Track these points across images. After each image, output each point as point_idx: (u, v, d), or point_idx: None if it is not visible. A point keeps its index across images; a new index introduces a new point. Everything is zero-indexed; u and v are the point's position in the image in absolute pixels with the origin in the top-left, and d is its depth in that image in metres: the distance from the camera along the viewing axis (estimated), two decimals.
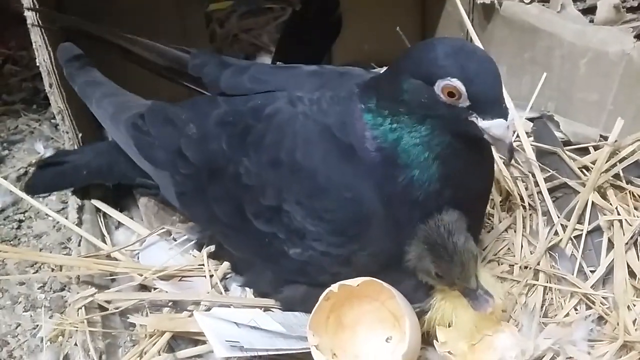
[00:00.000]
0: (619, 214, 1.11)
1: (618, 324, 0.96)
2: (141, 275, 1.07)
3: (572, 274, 1.05)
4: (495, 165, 1.03)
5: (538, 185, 1.17)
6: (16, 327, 1.11)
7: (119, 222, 1.21)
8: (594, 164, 1.17)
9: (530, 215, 1.15)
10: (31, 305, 1.14)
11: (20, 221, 1.29)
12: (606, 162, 1.16)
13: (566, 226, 1.10)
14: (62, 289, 1.15)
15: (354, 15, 1.46)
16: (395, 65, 0.90)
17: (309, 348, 0.92)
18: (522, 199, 1.16)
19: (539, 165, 1.18)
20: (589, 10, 1.45)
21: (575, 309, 1.02)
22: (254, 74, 1.04)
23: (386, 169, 0.89)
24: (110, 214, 1.22)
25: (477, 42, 1.29)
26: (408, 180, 0.88)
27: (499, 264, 1.09)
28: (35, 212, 1.29)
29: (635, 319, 0.98)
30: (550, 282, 1.04)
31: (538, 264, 1.06)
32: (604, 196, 1.14)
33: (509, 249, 1.11)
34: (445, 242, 0.89)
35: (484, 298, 0.90)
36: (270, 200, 0.94)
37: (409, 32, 1.42)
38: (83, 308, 1.03)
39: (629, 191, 1.14)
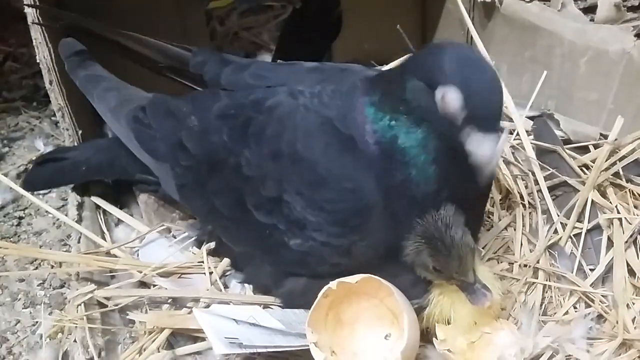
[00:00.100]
0: (618, 213, 1.10)
1: (617, 322, 0.96)
2: (141, 272, 1.07)
3: (572, 272, 1.05)
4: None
5: (538, 184, 1.16)
6: (15, 324, 1.11)
7: (118, 219, 1.21)
8: (593, 163, 1.17)
9: (530, 213, 1.15)
10: (31, 302, 1.14)
11: (20, 218, 1.29)
12: (606, 160, 1.16)
13: (566, 224, 1.10)
14: (62, 286, 1.14)
15: (354, 13, 1.46)
16: (403, 64, 0.90)
17: (308, 345, 0.92)
18: (521, 197, 1.16)
19: (539, 164, 1.18)
20: (590, 9, 1.45)
21: (575, 307, 1.01)
22: (254, 71, 1.05)
23: (385, 163, 0.89)
24: (110, 211, 1.22)
25: (478, 41, 1.29)
26: (405, 177, 0.88)
27: (498, 262, 1.09)
28: (35, 209, 1.29)
29: (635, 317, 0.98)
30: (549, 280, 1.04)
31: (537, 262, 1.05)
32: (603, 195, 1.14)
33: (508, 247, 1.11)
34: (442, 236, 0.89)
35: (481, 292, 0.90)
36: (271, 191, 0.94)
37: (409, 31, 1.42)
38: (82, 305, 1.03)
39: (629, 190, 1.14)
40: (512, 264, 1.08)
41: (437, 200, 0.89)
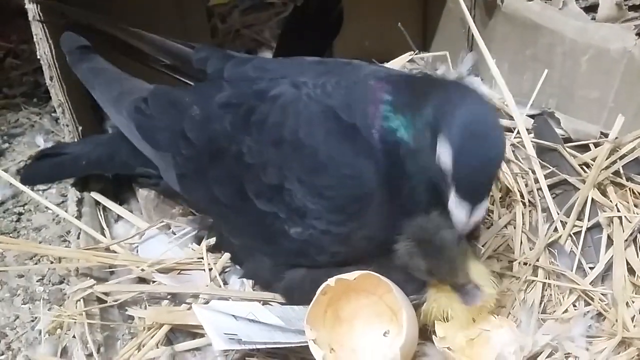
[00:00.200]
0: (618, 211, 1.10)
1: (617, 321, 0.96)
2: (140, 267, 1.07)
3: (571, 271, 1.05)
4: None
5: (538, 182, 1.16)
6: (15, 320, 1.11)
7: (118, 215, 1.21)
8: (594, 161, 1.17)
9: (530, 211, 1.15)
10: (30, 297, 1.14)
11: (20, 214, 1.29)
12: (606, 159, 1.16)
13: (566, 223, 1.10)
14: (61, 282, 1.14)
15: (355, 11, 1.45)
16: (432, 88, 0.87)
17: (307, 342, 0.92)
18: (522, 195, 1.16)
19: (539, 162, 1.18)
20: (591, 8, 1.45)
21: (574, 305, 1.01)
22: (257, 64, 1.06)
23: (385, 158, 0.89)
24: (109, 207, 1.22)
25: (479, 39, 1.29)
26: (402, 177, 0.89)
27: (498, 260, 1.09)
28: (34, 205, 1.30)
29: (634, 316, 0.97)
30: (549, 279, 1.04)
31: (537, 260, 1.05)
32: (604, 193, 1.14)
33: (508, 245, 1.11)
34: (432, 239, 0.89)
35: (473, 292, 0.90)
36: (272, 179, 0.94)
37: (410, 29, 1.43)
38: (81, 300, 1.03)
39: (629, 188, 1.14)
40: (512, 262, 1.08)
41: (431, 206, 0.90)
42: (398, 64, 1.34)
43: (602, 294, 1.01)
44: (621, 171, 1.15)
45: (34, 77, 1.56)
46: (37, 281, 1.16)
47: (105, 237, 1.16)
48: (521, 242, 1.10)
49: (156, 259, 1.09)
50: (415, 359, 0.95)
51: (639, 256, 1.06)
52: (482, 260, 1.06)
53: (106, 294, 1.05)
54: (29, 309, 1.12)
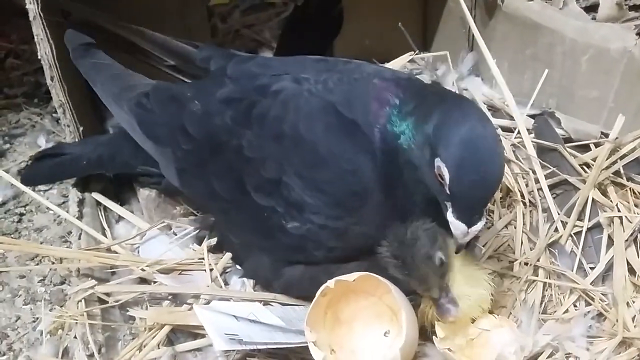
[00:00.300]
0: (619, 211, 1.10)
1: (617, 321, 0.96)
2: (141, 268, 1.07)
3: (572, 271, 1.05)
4: None
5: (538, 182, 1.16)
6: (16, 320, 1.11)
7: (119, 215, 1.21)
8: (594, 161, 1.17)
9: (531, 211, 1.15)
10: (31, 298, 1.14)
11: (21, 214, 1.29)
12: (607, 159, 1.16)
13: (566, 223, 1.10)
14: (62, 283, 1.15)
15: (355, 10, 1.46)
16: (438, 102, 0.87)
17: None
18: (522, 195, 1.16)
19: (540, 162, 1.18)
20: (591, 8, 1.45)
21: (575, 306, 1.02)
22: (260, 61, 1.07)
23: (385, 158, 0.90)
24: (110, 207, 1.22)
25: (479, 39, 1.29)
26: (399, 183, 0.89)
27: (498, 260, 1.09)
28: (36, 206, 1.30)
29: (635, 316, 0.98)
30: (549, 279, 1.04)
31: (538, 260, 1.06)
32: (604, 193, 1.14)
33: (509, 245, 1.11)
34: (404, 254, 0.90)
35: (446, 307, 0.91)
36: (271, 173, 0.94)
37: (411, 28, 1.42)
38: (83, 301, 1.03)
39: (630, 188, 1.14)
40: (513, 262, 1.08)
41: (422, 214, 0.91)
42: (398, 63, 1.34)
43: (602, 294, 1.01)
44: (621, 171, 1.15)
45: (35, 77, 1.56)
46: (38, 282, 1.16)
47: (106, 237, 1.17)
48: (522, 242, 1.11)
49: (157, 260, 1.09)
50: (416, 359, 0.96)
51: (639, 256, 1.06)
52: (482, 261, 1.06)
53: (107, 294, 1.05)
54: (31, 309, 1.12)
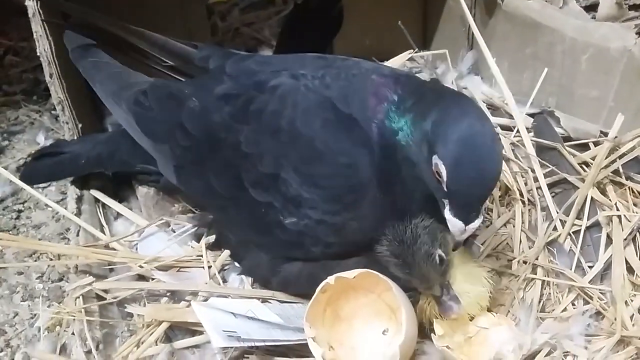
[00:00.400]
0: (618, 210, 1.10)
1: (615, 319, 0.96)
2: (139, 265, 1.07)
3: (570, 269, 1.05)
4: None
5: (537, 181, 1.16)
6: (14, 317, 1.11)
7: (117, 212, 1.21)
8: (593, 160, 1.17)
9: (529, 210, 1.15)
10: (29, 295, 1.14)
11: (20, 211, 1.29)
12: (606, 158, 1.16)
13: (565, 221, 1.10)
14: (60, 279, 1.15)
15: (355, 9, 1.46)
16: (437, 99, 0.87)
17: (306, 339, 0.92)
18: (521, 194, 1.16)
19: (539, 161, 1.18)
20: (591, 7, 1.45)
21: (573, 304, 1.02)
22: (259, 59, 1.07)
23: (382, 152, 0.90)
24: (109, 204, 1.22)
25: (479, 38, 1.29)
26: (396, 179, 0.89)
27: (497, 259, 1.09)
28: (34, 203, 1.30)
29: (633, 314, 0.98)
30: (548, 277, 1.04)
31: (536, 258, 1.06)
32: (603, 192, 1.14)
33: (507, 243, 1.11)
34: (405, 253, 0.90)
35: (448, 305, 0.90)
36: (269, 168, 0.95)
37: (411, 27, 1.42)
38: (81, 297, 1.03)
39: (629, 187, 1.14)
40: (511, 260, 1.08)
41: (425, 206, 0.90)
42: (398, 62, 1.34)
43: (601, 293, 1.01)
44: (621, 170, 1.15)
45: (34, 74, 1.56)
46: (36, 278, 1.16)
47: (104, 234, 1.16)
48: (520, 241, 1.10)
49: (155, 257, 1.08)
50: (415, 357, 0.96)
51: (638, 255, 1.06)
52: (480, 259, 1.06)
53: (105, 291, 1.05)
54: (29, 306, 1.12)
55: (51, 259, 1.15)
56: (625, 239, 1.07)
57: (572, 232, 1.10)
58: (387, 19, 1.43)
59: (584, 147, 1.23)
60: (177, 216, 1.18)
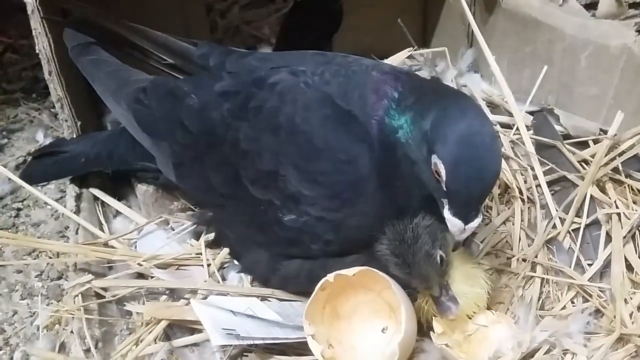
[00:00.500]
0: (617, 208, 1.10)
1: (615, 317, 0.96)
2: (138, 263, 1.07)
3: (570, 267, 1.05)
4: None
5: (537, 179, 1.16)
6: (13, 315, 1.11)
7: (117, 210, 1.21)
8: (593, 158, 1.17)
9: (529, 208, 1.15)
10: (28, 293, 1.14)
11: (19, 209, 1.29)
12: (605, 155, 1.16)
13: (564, 219, 1.10)
14: (59, 278, 1.15)
15: (355, 7, 1.46)
16: (437, 97, 0.87)
17: (305, 337, 0.92)
18: (520, 192, 1.16)
19: (538, 159, 1.18)
20: (591, 5, 1.45)
21: (572, 302, 1.01)
22: (259, 56, 1.07)
23: (381, 149, 0.90)
24: (108, 202, 1.22)
25: (478, 35, 1.29)
26: (395, 176, 0.89)
27: (496, 257, 1.09)
28: (33, 201, 1.30)
29: (632, 312, 0.97)
30: (547, 275, 1.04)
31: (536, 256, 1.05)
32: (602, 190, 1.14)
33: (506, 241, 1.11)
34: (405, 253, 0.90)
35: (446, 305, 0.90)
36: (268, 165, 0.94)
37: (410, 25, 1.42)
38: (80, 296, 1.03)
39: (628, 185, 1.14)
40: (511, 258, 1.08)
41: (424, 204, 0.90)
42: (397, 59, 1.34)
43: (600, 291, 1.01)
44: (620, 168, 1.15)
45: (33, 72, 1.55)
46: (35, 276, 1.16)
47: (103, 232, 1.16)
48: (520, 239, 1.10)
49: (154, 254, 1.08)
50: (414, 355, 0.96)
51: (638, 253, 1.06)
52: (480, 257, 1.06)
53: (104, 289, 1.05)
54: (27, 304, 1.12)
55: (50, 257, 1.15)
56: (625, 237, 1.06)
57: (572, 230, 1.10)
58: (386, 16, 1.43)
59: (584, 144, 1.23)
60: (177, 214, 1.18)
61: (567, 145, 1.21)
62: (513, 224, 1.12)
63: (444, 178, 0.80)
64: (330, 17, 1.45)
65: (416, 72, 1.33)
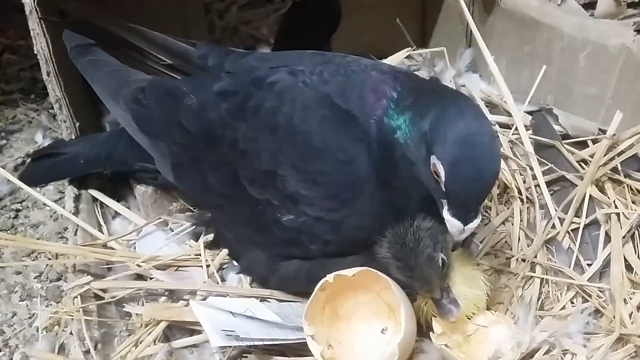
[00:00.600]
0: (616, 208, 1.10)
1: (614, 317, 0.96)
2: (137, 264, 1.06)
3: (569, 267, 1.04)
4: None
5: (536, 179, 1.16)
6: (12, 317, 1.11)
7: (115, 211, 1.21)
8: (592, 158, 1.16)
9: (528, 208, 1.15)
10: (27, 294, 1.14)
11: (18, 210, 1.29)
12: (604, 155, 1.16)
13: (563, 219, 1.10)
14: (58, 279, 1.15)
15: (353, 6, 1.46)
16: (435, 97, 0.87)
17: (305, 338, 0.92)
18: (519, 192, 1.16)
19: (537, 159, 1.18)
20: (590, 5, 1.44)
21: (572, 302, 1.01)
22: (258, 56, 1.07)
23: (380, 149, 0.90)
24: (107, 203, 1.22)
25: (477, 35, 1.28)
26: (394, 176, 0.89)
27: (495, 257, 1.09)
28: (32, 202, 1.30)
29: (632, 312, 0.97)
30: (547, 275, 1.04)
31: (535, 256, 1.05)
32: (601, 189, 1.14)
33: (506, 241, 1.11)
34: (407, 256, 0.90)
35: (447, 308, 0.90)
36: (266, 165, 0.94)
37: (409, 25, 1.42)
38: (79, 297, 1.03)
39: (627, 185, 1.14)
40: (510, 258, 1.08)
41: (423, 205, 0.90)
42: (396, 59, 1.34)
43: (599, 291, 1.01)
44: (619, 168, 1.15)
45: (32, 73, 1.55)
46: (34, 278, 1.16)
47: (102, 233, 1.16)
48: (519, 239, 1.10)
49: (153, 256, 1.08)
50: (413, 355, 0.95)
51: (637, 253, 1.06)
52: (479, 257, 1.06)
53: (103, 290, 1.05)
54: (27, 305, 1.12)
55: (49, 259, 1.15)
56: (624, 237, 1.06)
57: (571, 230, 1.09)
58: (385, 16, 1.43)
59: (583, 144, 1.23)
60: (175, 215, 1.18)
61: (566, 145, 1.21)
62: (512, 224, 1.12)
63: (443, 179, 0.80)
64: (329, 17, 1.45)
65: (415, 72, 1.33)
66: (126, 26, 1.14)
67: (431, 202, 0.86)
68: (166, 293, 1.06)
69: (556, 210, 1.11)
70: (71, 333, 1.00)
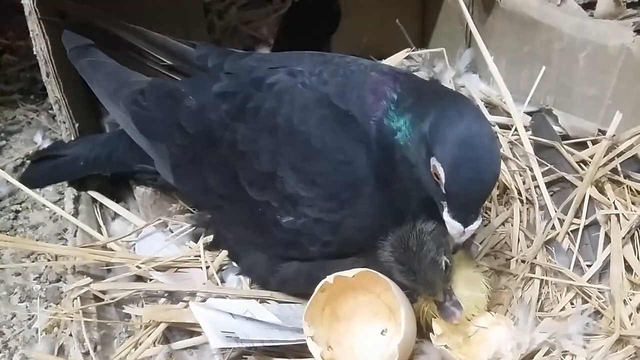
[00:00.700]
0: (616, 209, 1.10)
1: (614, 318, 0.96)
2: (137, 265, 1.06)
3: (569, 268, 1.05)
4: None
5: (536, 179, 1.16)
6: (11, 318, 1.11)
7: (115, 213, 1.21)
8: (591, 158, 1.16)
9: (528, 209, 1.15)
10: (27, 296, 1.14)
11: (17, 212, 1.29)
12: (604, 156, 1.16)
13: (563, 220, 1.10)
14: (58, 280, 1.15)
15: (353, 7, 1.46)
16: (436, 99, 0.87)
17: (305, 340, 0.92)
18: (519, 192, 1.16)
19: (537, 159, 1.18)
20: (589, 5, 1.45)
21: (572, 303, 1.01)
22: (258, 56, 1.07)
23: (379, 149, 0.89)
24: (106, 204, 1.22)
25: (477, 36, 1.28)
26: (394, 177, 0.89)
27: (495, 258, 1.09)
28: (31, 203, 1.30)
29: (632, 313, 0.97)
30: (546, 276, 1.04)
31: (535, 258, 1.05)
32: (601, 190, 1.14)
33: (505, 242, 1.11)
34: (411, 260, 0.89)
35: (450, 310, 0.90)
36: (265, 166, 0.94)
37: (409, 25, 1.42)
38: (78, 298, 1.02)
39: (627, 185, 1.14)
40: (510, 259, 1.08)
41: (423, 206, 0.90)
42: (395, 60, 1.34)
43: (599, 292, 1.01)
44: (619, 168, 1.15)
45: (31, 73, 1.55)
46: (34, 279, 1.16)
47: (102, 235, 1.16)
48: (519, 240, 1.10)
49: (153, 257, 1.08)
50: (413, 356, 0.95)
51: (637, 254, 1.06)
52: (479, 258, 1.06)
53: (103, 292, 1.04)
54: (26, 307, 1.12)
55: (49, 260, 1.15)
56: (624, 238, 1.06)
57: (571, 231, 1.09)
58: (385, 17, 1.43)
59: (582, 145, 1.23)
60: (175, 216, 1.18)
61: (565, 146, 1.21)
62: (512, 225, 1.12)
63: (443, 180, 0.80)
64: (329, 18, 1.45)
65: (414, 73, 1.33)
66: (126, 27, 1.14)
67: (431, 204, 0.86)
68: (166, 294, 1.05)
69: (556, 211, 1.11)
70: (71, 334, 1.00)
